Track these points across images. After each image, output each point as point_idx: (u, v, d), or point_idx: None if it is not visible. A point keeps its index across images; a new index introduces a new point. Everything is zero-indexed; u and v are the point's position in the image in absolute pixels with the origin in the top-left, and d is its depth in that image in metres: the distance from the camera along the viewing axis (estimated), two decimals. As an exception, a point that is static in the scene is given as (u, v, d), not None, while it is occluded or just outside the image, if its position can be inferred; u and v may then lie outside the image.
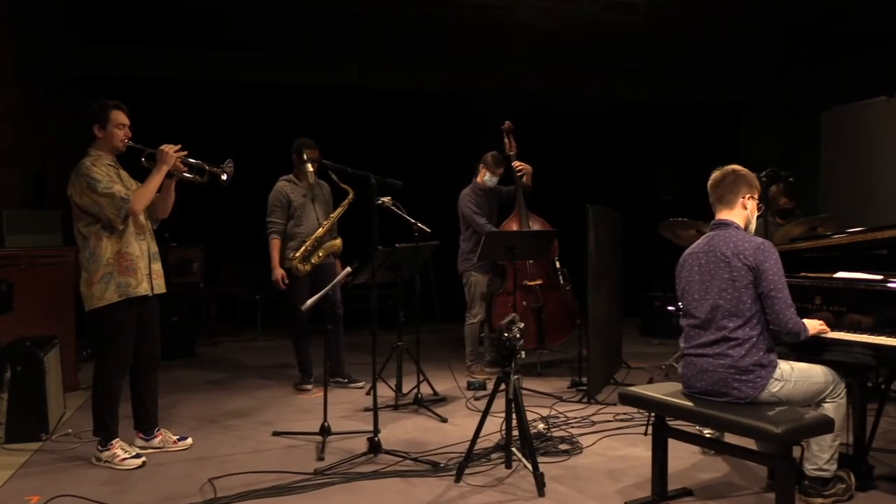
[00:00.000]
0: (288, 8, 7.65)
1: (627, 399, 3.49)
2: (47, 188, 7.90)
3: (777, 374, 3.11)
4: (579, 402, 5.33)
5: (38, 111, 7.76)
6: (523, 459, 3.69)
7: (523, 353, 3.65)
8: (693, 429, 3.89)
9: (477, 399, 5.43)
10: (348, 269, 4.38)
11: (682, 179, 8.79)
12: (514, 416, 3.73)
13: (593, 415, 4.97)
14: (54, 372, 4.76)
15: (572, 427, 4.68)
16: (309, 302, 4.26)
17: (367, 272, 4.56)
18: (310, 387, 5.80)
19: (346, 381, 5.84)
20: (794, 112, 9.57)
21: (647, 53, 8.79)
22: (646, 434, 4.35)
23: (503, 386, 3.71)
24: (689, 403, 3.20)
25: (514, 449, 3.80)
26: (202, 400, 5.52)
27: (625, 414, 4.96)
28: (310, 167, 4.82)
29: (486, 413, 3.75)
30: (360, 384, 5.82)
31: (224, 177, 4.11)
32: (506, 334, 3.61)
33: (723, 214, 3.36)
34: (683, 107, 9.86)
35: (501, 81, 8.94)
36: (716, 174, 3.43)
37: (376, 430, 4.12)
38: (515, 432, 3.78)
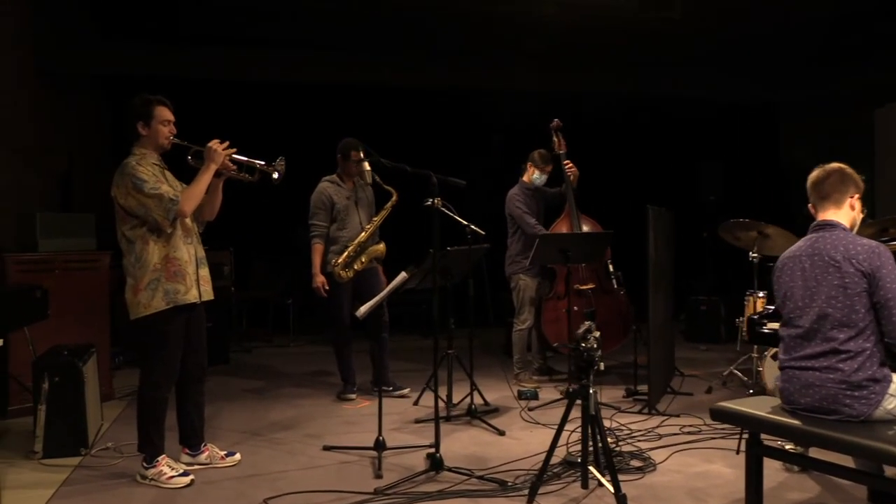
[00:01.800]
0: (318, 6, 7.43)
1: (721, 415, 3.21)
2: (75, 190, 7.74)
3: (892, 389, 2.83)
4: (639, 412, 5.05)
5: (61, 111, 7.59)
6: (602, 479, 3.43)
7: (602, 364, 3.38)
8: (774, 443, 3.61)
9: (531, 410, 5.17)
10: (404, 274, 4.11)
11: (726, 178, 8.50)
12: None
13: (658, 427, 4.70)
14: (92, 382, 4.54)
15: (639, 441, 4.41)
16: (363, 309, 4.02)
17: (419, 277, 4.29)
18: (353, 396, 5.56)
19: (390, 388, 5.59)
20: (836, 109, 9.25)
21: (683, 50, 8.52)
22: (738, 453, 4.06)
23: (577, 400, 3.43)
24: (795, 421, 2.92)
25: (590, 467, 3.53)
26: (243, 410, 5.28)
27: (691, 426, 4.69)
28: (366, 166, 4.56)
29: (560, 428, 3.48)
30: (406, 391, 5.57)
31: (275, 175, 3.87)
32: (582, 344, 3.34)
33: (828, 214, 3.07)
34: (721, 104, 9.58)
35: (536, 80, 8.67)
36: (818, 172, 3.15)
37: (437, 446, 3.87)
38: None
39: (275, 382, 6.23)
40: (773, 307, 4.15)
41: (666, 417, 4.91)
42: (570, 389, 5.35)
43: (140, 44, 7.91)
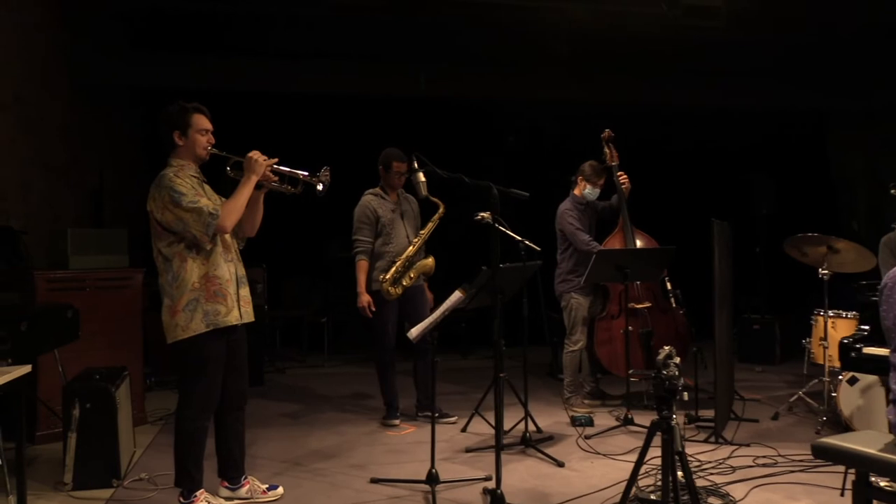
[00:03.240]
0: (352, 16, 7.23)
1: (824, 452, 2.86)
2: (107, 206, 7.56)
3: None
4: (706, 441, 4.69)
5: (94, 125, 7.44)
6: (687, 522, 3.09)
7: (686, 393, 3.05)
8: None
9: (587, 438, 4.83)
10: (459, 293, 3.81)
11: (779, 191, 8.11)
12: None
13: (728, 458, 4.34)
14: (125, 408, 4.29)
15: (711, 474, 4.06)
16: (416, 331, 3.74)
17: (473, 294, 3.99)
18: (397, 422, 5.26)
19: (436, 415, 5.26)
20: (885, 120, 8.87)
21: (729, 60, 8.21)
22: (842, 495, 3.69)
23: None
24: (917, 461, 2.58)
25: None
26: (281, 437, 5.00)
27: (765, 457, 4.33)
28: (421, 177, 4.27)
29: (638, 465, 3.15)
30: (453, 419, 5.26)
31: (320, 187, 3.59)
32: (663, 371, 3.02)
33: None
34: (770, 115, 9.21)
35: (577, 90, 8.37)
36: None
37: (499, 481, 3.56)
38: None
39: (312, 406, 5.94)
40: (866, 329, 3.82)
41: (735, 447, 4.55)
42: (628, 416, 5.08)
43: (175, 56, 7.74)
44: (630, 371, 4.93)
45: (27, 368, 3.24)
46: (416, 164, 4.25)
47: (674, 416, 3.02)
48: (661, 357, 3.06)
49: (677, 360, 3.10)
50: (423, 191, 4.42)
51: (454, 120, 8.57)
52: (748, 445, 4.58)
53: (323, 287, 8.47)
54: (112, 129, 8.11)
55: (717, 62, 8.27)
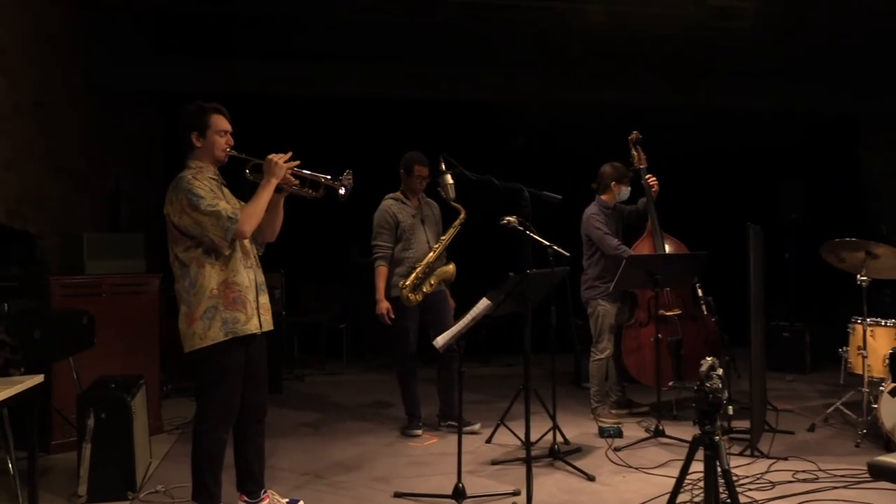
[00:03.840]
0: (370, 18, 7.11)
1: (883, 472, 2.68)
2: (123, 210, 7.48)
3: None
4: (741, 454, 4.51)
5: (111, 128, 7.38)
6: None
7: (730, 407, 2.89)
8: None
9: (617, 450, 4.66)
10: (486, 301, 3.66)
11: (808, 196, 7.91)
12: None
13: (766, 473, 4.16)
14: (141, 418, 4.17)
15: (750, 490, 3.88)
16: (442, 340, 3.59)
17: (503, 303, 3.84)
18: (419, 432, 5.11)
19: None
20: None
21: (755, 61, 8.03)
22: None
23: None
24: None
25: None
26: (301, 448, 4.86)
27: (805, 472, 4.15)
28: (449, 179, 4.12)
29: (679, 482, 2.97)
30: (476, 427, 5.09)
31: (342, 191, 3.46)
32: (706, 384, 2.85)
33: None
34: (799, 118, 9.00)
35: (601, 93, 8.20)
36: None
37: (530, 496, 3.40)
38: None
39: (332, 415, 5.81)
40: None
41: (773, 461, 4.37)
42: (659, 427, 4.90)
43: (193, 59, 7.64)
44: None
45: (39, 378, 3.12)
46: (443, 166, 4.11)
47: (718, 432, 2.85)
48: (703, 369, 2.89)
49: (720, 371, 2.94)
50: (452, 193, 4.27)
51: (474, 123, 8.43)
52: (786, 459, 4.40)
53: (341, 293, 8.33)
54: (130, 134, 8.04)
55: (743, 64, 8.09)
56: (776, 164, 8.70)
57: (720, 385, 2.88)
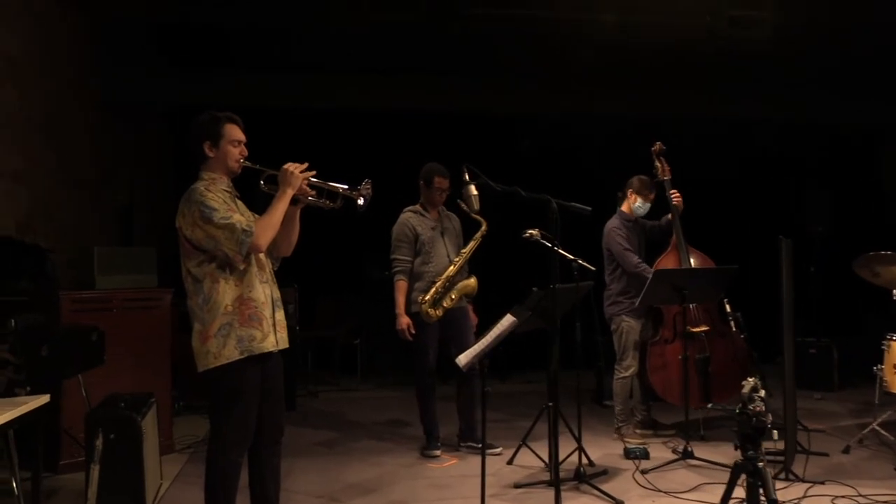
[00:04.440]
0: (385, 30, 7.01)
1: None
2: (136, 224, 7.39)
3: None
4: (775, 477, 4.31)
5: (123, 142, 7.30)
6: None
7: (776, 432, 2.72)
8: None
9: (644, 473, 4.48)
10: (511, 317, 3.51)
11: (834, 208, 7.72)
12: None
13: (804, 497, 3.98)
14: (151, 438, 4.02)
15: (788, 516, 3.70)
16: (465, 358, 3.43)
17: (526, 317, 3.68)
18: (438, 452, 4.94)
19: (479, 445, 4.91)
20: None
21: (777, 71, 7.88)
22: None
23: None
24: None
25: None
26: (316, 469, 4.70)
27: (845, 498, 3.97)
28: (473, 190, 3.97)
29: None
30: (498, 450, 4.92)
31: (361, 201, 3.31)
32: (749, 407, 2.69)
33: None
34: (818, 128, 8.83)
35: (620, 103, 8.06)
36: None
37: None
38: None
39: (348, 434, 5.65)
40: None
41: (809, 485, 4.18)
42: (687, 448, 4.71)
43: (207, 72, 7.57)
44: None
45: (45, 399, 2.99)
46: (467, 176, 3.96)
47: (762, 458, 2.68)
48: (745, 390, 2.74)
49: (762, 392, 2.77)
50: (476, 205, 4.11)
51: (490, 135, 8.30)
52: (822, 483, 4.20)
53: (356, 307, 8.19)
54: (143, 147, 7.98)
55: (765, 74, 7.94)
56: (799, 175, 8.54)
57: (764, 407, 2.71)
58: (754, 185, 8.66)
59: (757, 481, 2.69)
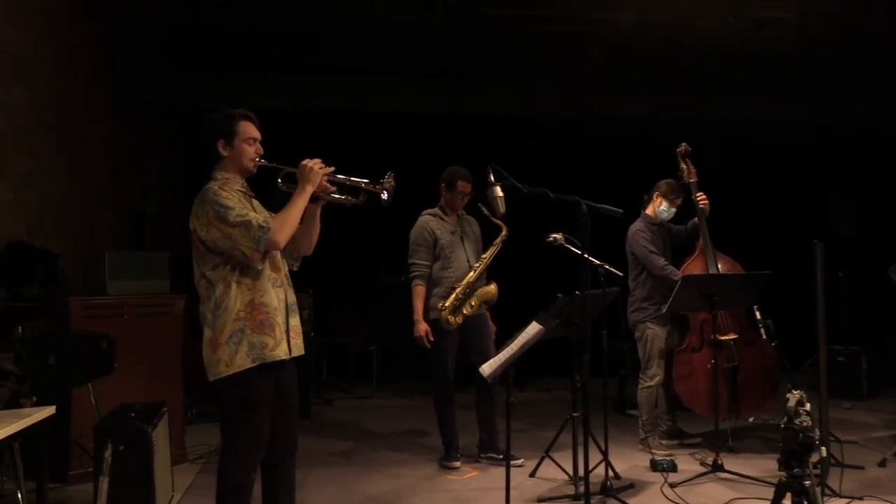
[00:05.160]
0: (401, 31, 6.89)
1: None
2: (148, 228, 7.28)
3: None
4: (810, 492, 4.13)
5: (136, 146, 7.20)
6: None
7: (824, 449, 2.55)
8: None
9: (673, 486, 4.30)
10: (537, 325, 3.35)
11: (862, 212, 7.52)
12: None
13: (845, 514, 3.79)
14: (163, 449, 3.89)
15: (829, 535, 3.51)
16: (489, 369, 3.29)
17: (554, 325, 3.53)
18: (458, 464, 4.78)
19: (500, 457, 4.80)
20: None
21: (801, 72, 7.71)
22: None
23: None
24: None
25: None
26: (333, 481, 4.55)
27: (889, 515, 3.77)
28: (498, 191, 3.80)
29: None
30: (520, 462, 4.75)
31: (384, 196, 3.16)
32: (795, 421, 2.52)
33: None
34: (844, 130, 8.62)
35: (642, 105, 7.89)
36: None
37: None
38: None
39: (364, 443, 5.50)
40: None
41: (848, 500, 4.00)
42: (717, 461, 4.53)
43: (221, 75, 7.47)
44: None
45: (50, 410, 2.86)
46: (492, 177, 3.79)
47: (810, 476, 2.51)
48: (791, 404, 2.57)
49: (808, 406, 2.60)
50: (501, 207, 3.94)
51: (508, 138, 8.14)
52: (861, 499, 4.02)
53: (371, 312, 8.05)
54: (156, 150, 7.90)
55: (789, 75, 7.77)
56: (825, 178, 8.33)
57: (810, 422, 2.54)
58: (778, 189, 8.47)
59: (804, 501, 2.52)
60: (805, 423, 2.51)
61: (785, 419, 2.54)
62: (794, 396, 2.57)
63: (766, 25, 7.09)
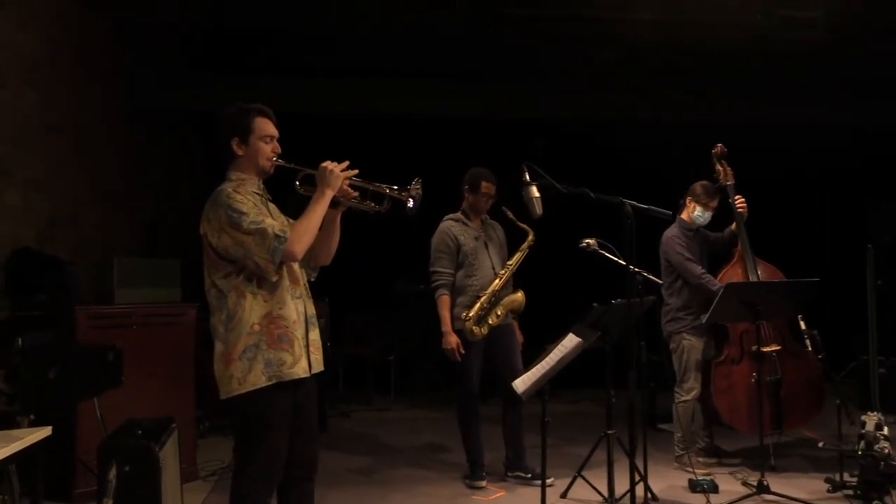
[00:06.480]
0: (420, 33, 6.69)
1: None
2: (161, 235, 7.09)
3: None
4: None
5: (149, 151, 7.02)
6: None
7: (907, 479, 2.28)
8: None
9: (715, 509, 4.03)
10: (574, 337, 3.09)
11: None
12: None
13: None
14: (171, 468, 3.64)
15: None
16: (524, 385, 3.04)
17: (593, 337, 3.27)
18: (484, 483, 4.51)
19: (528, 475, 4.53)
20: None
21: (835, 72, 7.45)
22: None
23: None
24: None
25: None
26: (352, 500, 4.30)
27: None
28: (534, 192, 3.53)
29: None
30: (550, 481, 4.46)
31: (410, 203, 2.91)
32: (876, 448, 2.25)
33: None
34: (880, 136, 8.32)
35: (677, 110, 7.64)
36: None
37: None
38: None
39: (384, 459, 5.25)
40: None
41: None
42: (763, 482, 4.23)
43: (236, 78, 7.30)
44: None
45: (45, 432, 2.62)
46: (527, 176, 3.53)
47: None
48: (868, 428, 2.30)
49: (885, 431, 2.33)
50: (538, 209, 3.65)
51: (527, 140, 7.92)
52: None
53: (389, 321, 7.81)
54: (170, 156, 7.71)
55: (825, 77, 7.51)
56: (864, 184, 8.04)
57: (890, 449, 2.27)
58: (816, 194, 8.18)
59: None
60: (886, 450, 2.25)
61: (863, 444, 2.28)
62: (870, 419, 2.31)
63: (793, 24, 6.89)
